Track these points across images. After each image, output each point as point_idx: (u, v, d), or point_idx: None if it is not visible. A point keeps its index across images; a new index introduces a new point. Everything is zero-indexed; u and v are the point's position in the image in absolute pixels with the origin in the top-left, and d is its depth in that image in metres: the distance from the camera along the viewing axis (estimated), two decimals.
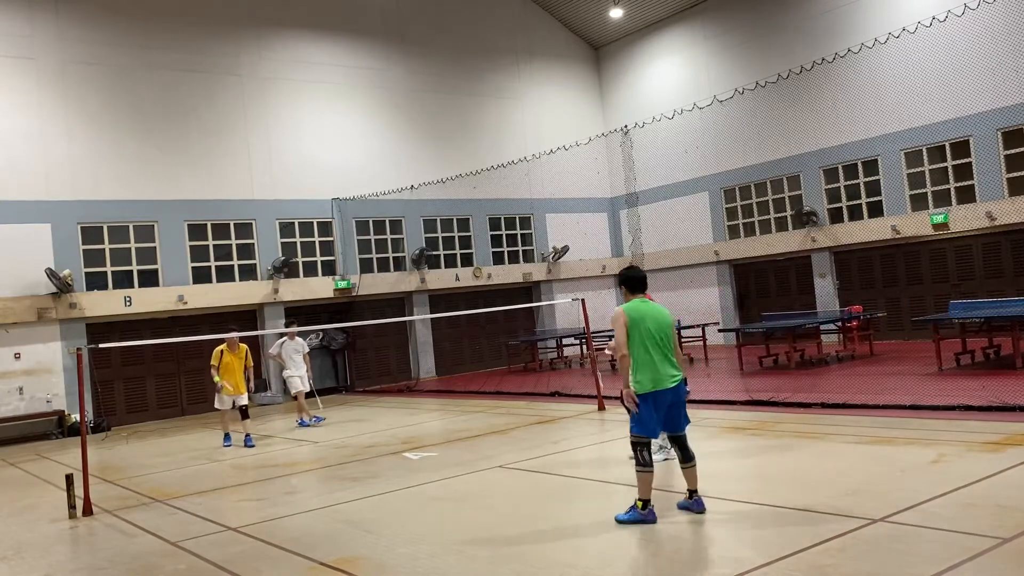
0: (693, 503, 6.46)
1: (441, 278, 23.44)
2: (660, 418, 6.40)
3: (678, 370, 6.45)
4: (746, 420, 10.70)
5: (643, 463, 6.32)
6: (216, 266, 20.17)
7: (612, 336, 7.37)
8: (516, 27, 25.91)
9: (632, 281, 6.67)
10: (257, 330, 20.03)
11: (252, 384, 13.78)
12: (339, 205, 21.84)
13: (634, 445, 6.37)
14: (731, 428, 10.29)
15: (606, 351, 10.79)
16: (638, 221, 22.11)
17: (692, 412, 11.78)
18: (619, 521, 6.31)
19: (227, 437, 13.19)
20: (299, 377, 15.12)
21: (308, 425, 14.70)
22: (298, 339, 15.27)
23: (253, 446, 12.76)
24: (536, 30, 26.33)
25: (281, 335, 15.74)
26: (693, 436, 9.62)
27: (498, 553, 6.00)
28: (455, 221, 24.24)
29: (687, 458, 6.50)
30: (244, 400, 13.13)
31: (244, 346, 13.35)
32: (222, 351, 13.04)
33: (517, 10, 25.97)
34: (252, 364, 13.57)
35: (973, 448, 7.90)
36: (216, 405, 13.34)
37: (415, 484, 8.76)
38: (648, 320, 6.41)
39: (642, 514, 6.25)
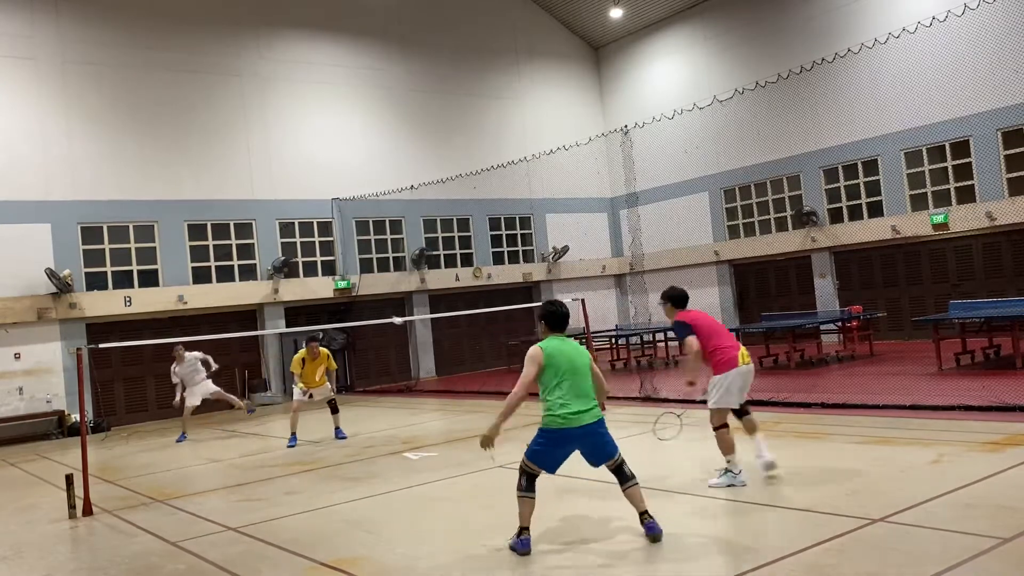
0: (645, 527, 5.89)
1: (441, 278, 23.44)
2: (563, 455, 6.10)
3: (594, 406, 6.12)
4: None
5: (523, 488, 6.00)
6: (216, 266, 20.17)
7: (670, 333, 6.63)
8: (516, 27, 25.92)
9: (555, 318, 6.39)
10: (257, 330, 20.05)
11: (334, 385, 13.70)
12: (339, 205, 21.84)
13: (521, 469, 6.05)
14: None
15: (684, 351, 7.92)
16: (638, 221, 22.10)
17: (691, 412, 11.79)
18: (512, 548, 5.95)
19: (293, 437, 12.70)
20: (198, 395, 14.91)
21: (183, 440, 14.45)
22: (188, 356, 14.79)
23: (345, 437, 12.67)
24: (536, 30, 26.33)
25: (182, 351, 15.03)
26: (693, 436, 9.67)
27: (498, 553, 6.00)
28: (455, 221, 24.25)
29: (624, 479, 5.97)
30: (328, 393, 13.12)
31: (324, 350, 13.20)
32: (303, 359, 12.95)
33: (517, 10, 25.97)
34: (335, 367, 13.60)
35: (973, 448, 7.90)
36: (295, 397, 13.15)
37: (415, 484, 8.76)
38: (563, 358, 6.18)
39: (521, 540, 5.92)
